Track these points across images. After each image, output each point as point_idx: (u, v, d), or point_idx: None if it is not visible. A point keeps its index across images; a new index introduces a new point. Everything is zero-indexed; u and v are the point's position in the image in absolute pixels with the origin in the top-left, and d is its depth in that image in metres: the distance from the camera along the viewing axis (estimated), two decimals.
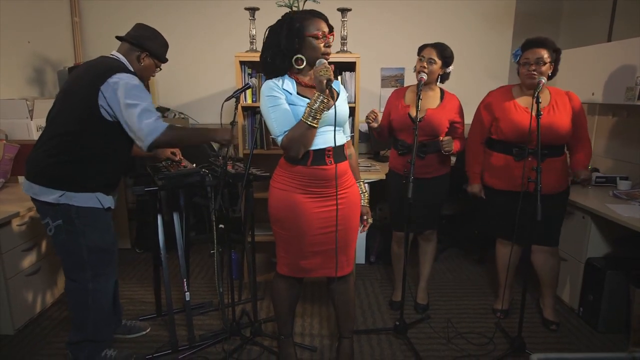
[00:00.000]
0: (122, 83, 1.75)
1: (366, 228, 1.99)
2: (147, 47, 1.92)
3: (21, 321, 2.35)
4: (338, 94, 1.78)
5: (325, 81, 1.58)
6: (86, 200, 1.84)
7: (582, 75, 2.83)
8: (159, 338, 2.31)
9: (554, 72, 2.19)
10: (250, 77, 2.76)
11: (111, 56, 1.91)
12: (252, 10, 2.77)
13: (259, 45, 2.85)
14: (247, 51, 2.78)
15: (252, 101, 2.79)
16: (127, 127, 1.79)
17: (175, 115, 3.76)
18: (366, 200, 1.96)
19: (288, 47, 1.68)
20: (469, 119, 2.48)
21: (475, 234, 3.54)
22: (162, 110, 3.69)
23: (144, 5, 3.66)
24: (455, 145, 2.36)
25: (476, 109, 2.41)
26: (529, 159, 2.13)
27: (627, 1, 3.08)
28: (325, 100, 1.60)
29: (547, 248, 2.32)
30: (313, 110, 1.61)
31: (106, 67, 1.81)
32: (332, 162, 1.74)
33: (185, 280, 2.22)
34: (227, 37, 3.68)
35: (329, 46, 1.69)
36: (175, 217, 2.26)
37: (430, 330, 2.42)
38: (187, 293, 2.21)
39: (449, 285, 2.99)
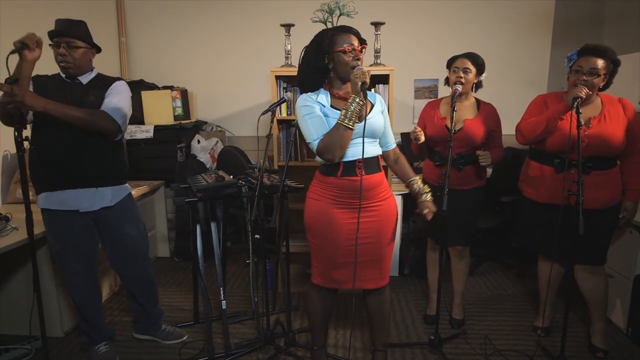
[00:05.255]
0: None
1: (429, 217, 1.90)
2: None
3: (69, 324, 2.48)
4: (373, 105, 1.82)
5: (360, 83, 1.63)
6: (38, 201, 2.03)
7: (629, 83, 2.71)
8: (196, 345, 2.38)
9: (607, 84, 2.05)
10: (286, 91, 2.83)
11: None
12: (288, 26, 2.85)
13: (294, 60, 2.94)
14: (282, 66, 2.86)
15: (287, 114, 2.86)
16: None
17: (212, 128, 3.90)
18: (428, 195, 1.91)
19: (317, 64, 1.77)
20: (506, 129, 2.43)
21: (514, 247, 3.43)
22: (200, 124, 3.84)
23: (184, 24, 3.84)
24: (495, 155, 2.33)
25: (532, 101, 2.27)
26: (572, 171, 2.03)
27: None
28: (360, 102, 1.64)
29: (588, 267, 2.17)
30: (349, 112, 1.64)
31: None
32: (363, 173, 1.76)
33: (222, 289, 2.28)
34: (263, 52, 3.79)
35: (358, 59, 1.72)
36: (213, 227, 2.33)
37: (467, 346, 2.36)
38: (223, 302, 2.26)
39: (486, 300, 2.91)
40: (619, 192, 2.13)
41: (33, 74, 1.84)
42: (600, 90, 2.06)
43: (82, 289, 2.14)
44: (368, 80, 1.65)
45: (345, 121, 1.64)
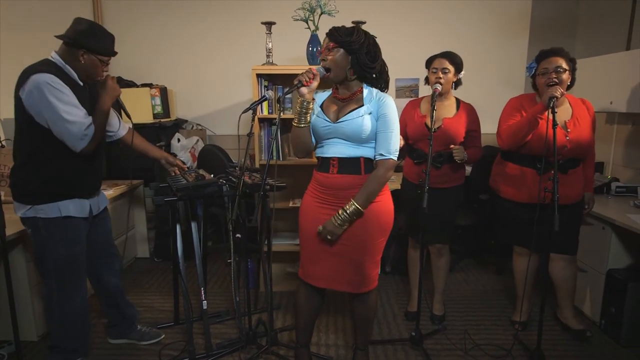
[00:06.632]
0: (39, 88, 1.71)
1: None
2: (83, 44, 1.80)
3: (44, 327, 2.39)
4: (360, 106, 1.78)
5: (296, 83, 1.69)
6: (50, 211, 1.86)
7: (600, 84, 2.80)
8: (177, 346, 2.34)
9: (572, 81, 2.16)
10: (267, 90, 2.81)
11: (50, 58, 1.84)
12: (269, 24, 2.83)
13: (275, 59, 2.93)
14: (263, 64, 2.84)
15: (268, 113, 2.84)
16: (54, 132, 1.78)
17: (192, 126, 3.85)
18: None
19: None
20: (484, 128, 2.47)
21: (492, 244, 3.50)
22: (180, 122, 3.79)
23: (163, 21, 3.77)
24: (473, 154, 2.36)
25: (507, 104, 2.33)
26: (552, 171, 2.07)
27: None
28: (302, 101, 1.73)
29: (566, 256, 2.30)
30: (297, 111, 1.76)
31: (26, 72, 1.76)
32: (335, 172, 1.78)
33: (202, 289, 2.25)
34: (244, 50, 3.76)
35: (324, 59, 1.75)
36: (194, 226, 2.30)
37: (447, 341, 2.39)
38: (204, 302, 2.24)
39: (465, 297, 2.96)
40: (583, 187, 2.28)
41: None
42: (568, 88, 2.15)
43: (83, 298, 2.03)
44: (305, 78, 1.68)
45: (295, 120, 1.77)
